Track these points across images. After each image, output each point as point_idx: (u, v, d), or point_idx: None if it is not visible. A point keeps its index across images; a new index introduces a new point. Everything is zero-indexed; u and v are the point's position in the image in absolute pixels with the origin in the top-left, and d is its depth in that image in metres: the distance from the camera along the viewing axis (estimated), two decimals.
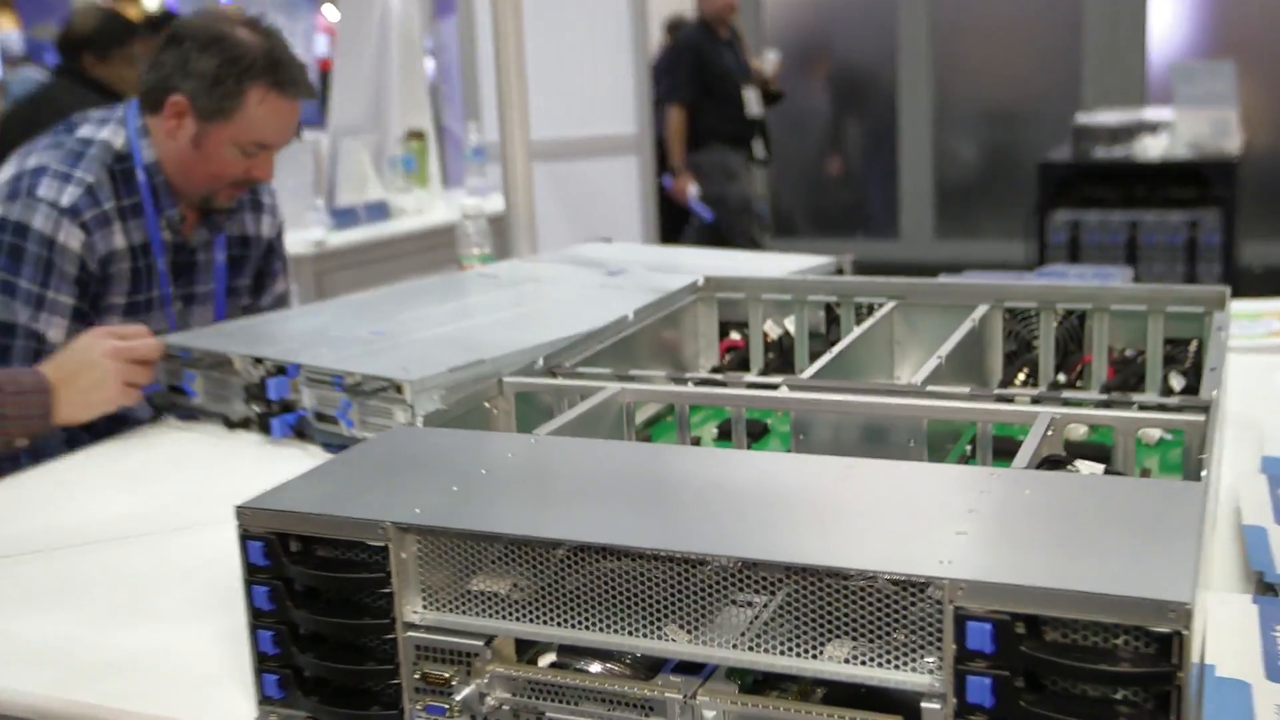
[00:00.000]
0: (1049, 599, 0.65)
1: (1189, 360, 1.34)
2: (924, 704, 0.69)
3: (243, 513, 0.83)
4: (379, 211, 3.65)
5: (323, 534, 0.82)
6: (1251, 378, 1.49)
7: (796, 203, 7.55)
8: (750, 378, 1.14)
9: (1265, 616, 0.88)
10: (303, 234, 3.29)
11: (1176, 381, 1.32)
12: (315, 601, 0.84)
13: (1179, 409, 0.96)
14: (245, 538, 0.83)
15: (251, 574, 0.84)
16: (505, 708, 0.79)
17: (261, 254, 2.01)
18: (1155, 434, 1.23)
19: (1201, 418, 0.94)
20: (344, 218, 3.52)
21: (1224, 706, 0.76)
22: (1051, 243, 4.95)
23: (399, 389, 1.34)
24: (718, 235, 5.15)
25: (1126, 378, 1.34)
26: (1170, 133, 4.86)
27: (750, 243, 5.16)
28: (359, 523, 0.80)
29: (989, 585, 0.66)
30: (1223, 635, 0.85)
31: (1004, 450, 1.12)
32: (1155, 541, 0.70)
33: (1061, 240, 4.94)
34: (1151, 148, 4.87)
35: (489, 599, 0.79)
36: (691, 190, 5.15)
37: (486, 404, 1.13)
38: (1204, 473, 0.83)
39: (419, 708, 0.82)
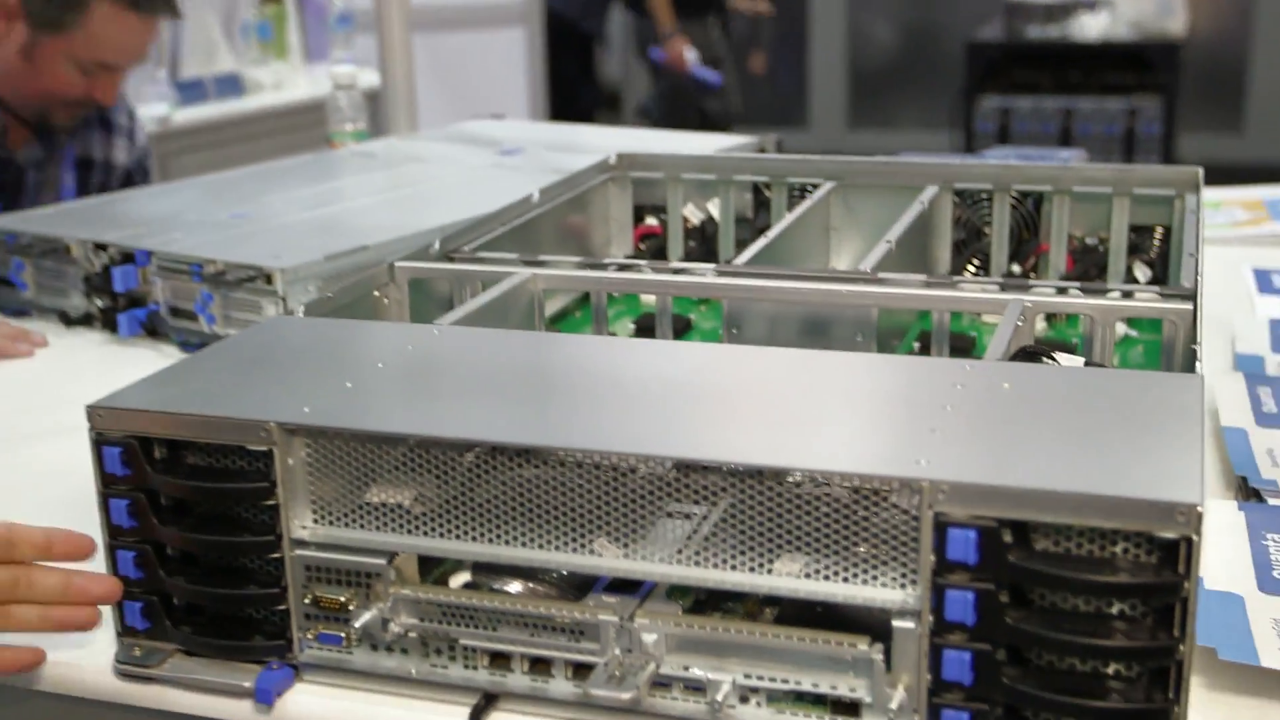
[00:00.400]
0: (1041, 502, 0.63)
1: (1154, 249, 1.33)
2: (896, 623, 0.67)
3: (96, 413, 0.78)
4: (231, 86, 3.52)
5: (194, 438, 0.77)
6: (1217, 272, 1.50)
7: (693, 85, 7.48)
8: (676, 264, 1.10)
9: (1253, 524, 0.88)
10: (143, 109, 3.16)
11: (1141, 272, 1.31)
12: (185, 517, 0.79)
13: (1163, 296, 0.95)
14: (100, 443, 0.78)
15: (107, 485, 0.79)
16: (412, 635, 0.76)
17: (118, 185, 1.89)
18: (1120, 329, 1.22)
19: (1188, 306, 0.93)
20: (190, 92, 3.39)
21: (1216, 621, 0.76)
22: (979, 131, 4.98)
23: (269, 278, 1.28)
24: (724, 115, 4.94)
25: (1087, 268, 1.33)
26: (1110, 10, 4.90)
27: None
28: (238, 424, 0.75)
29: (974, 487, 0.64)
30: (1211, 545, 0.85)
31: (959, 349, 1.11)
32: (1156, 438, 0.68)
33: (990, 129, 4.97)
34: (1090, 27, 4.90)
35: (390, 512, 0.76)
36: (690, 55, 4.87)
37: (376, 292, 1.08)
38: (1198, 364, 0.81)
39: (310, 636, 0.78)
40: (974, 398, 0.75)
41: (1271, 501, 0.92)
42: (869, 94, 7.13)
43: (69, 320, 1.47)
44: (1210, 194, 1.81)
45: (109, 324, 1.42)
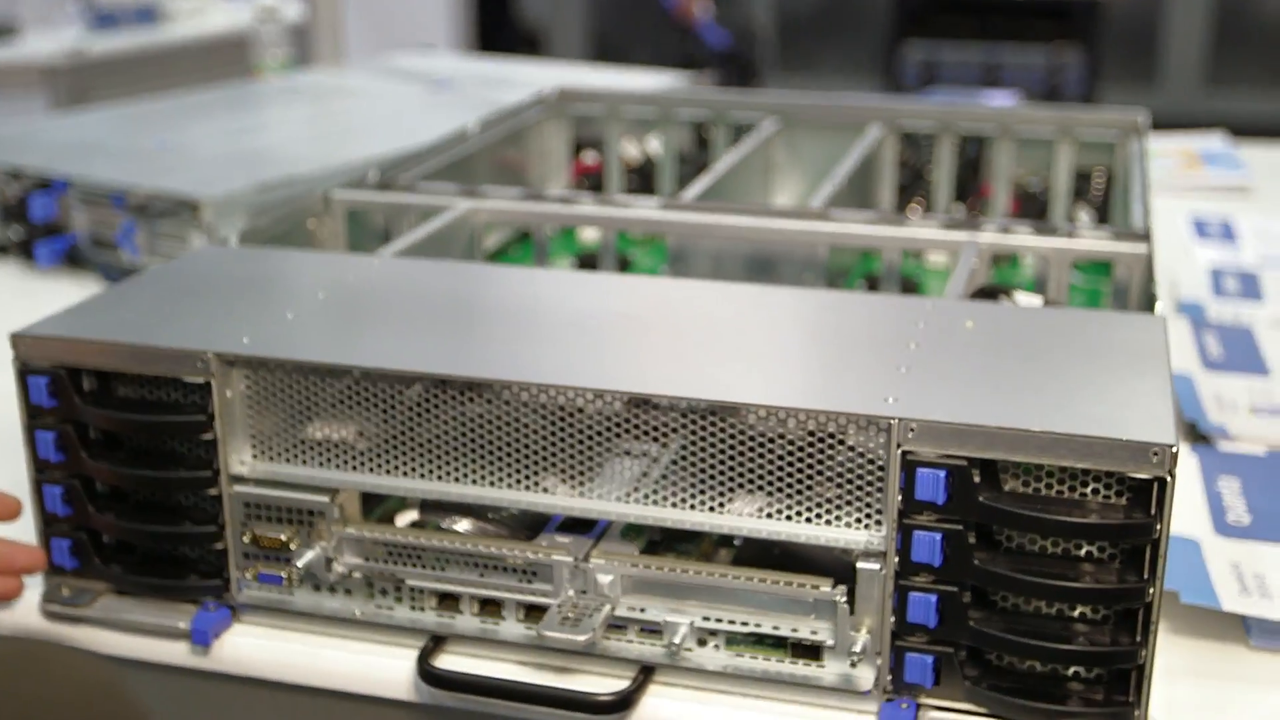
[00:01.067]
0: (1012, 441, 0.62)
1: (1094, 193, 1.33)
2: (860, 564, 0.65)
3: (21, 341, 0.74)
4: (146, 15, 3.41)
5: (125, 368, 0.73)
6: (1154, 221, 1.49)
7: (615, 27, 7.41)
8: (621, 197, 1.08)
9: (1206, 467, 0.87)
10: (52, 37, 3.06)
11: (1084, 215, 1.30)
12: (116, 450, 0.76)
13: (1116, 237, 0.94)
14: (24, 373, 0.74)
15: (34, 417, 0.75)
16: (357, 575, 0.73)
17: None
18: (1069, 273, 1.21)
19: (1143, 248, 0.92)
20: (102, 20, 3.28)
21: (1175, 566, 0.75)
22: (903, 81, 4.97)
23: (195, 208, 1.23)
24: (742, 71, 4.78)
25: (1030, 210, 1.32)
26: None
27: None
28: (174, 354, 0.72)
29: (944, 425, 0.62)
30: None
31: (906, 291, 1.09)
32: (1125, 379, 0.67)
33: (913, 78, 4.96)
34: None
35: (333, 447, 0.73)
36: (699, 8, 4.66)
37: (310, 223, 1.04)
38: (1158, 304, 0.80)
39: (249, 576, 0.75)
40: (938, 336, 0.73)
41: (1222, 446, 0.91)
42: (793, 39, 7.10)
43: None
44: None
45: (26, 254, 1.37)
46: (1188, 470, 0.87)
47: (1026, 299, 0.83)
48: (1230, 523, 0.80)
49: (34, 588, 0.78)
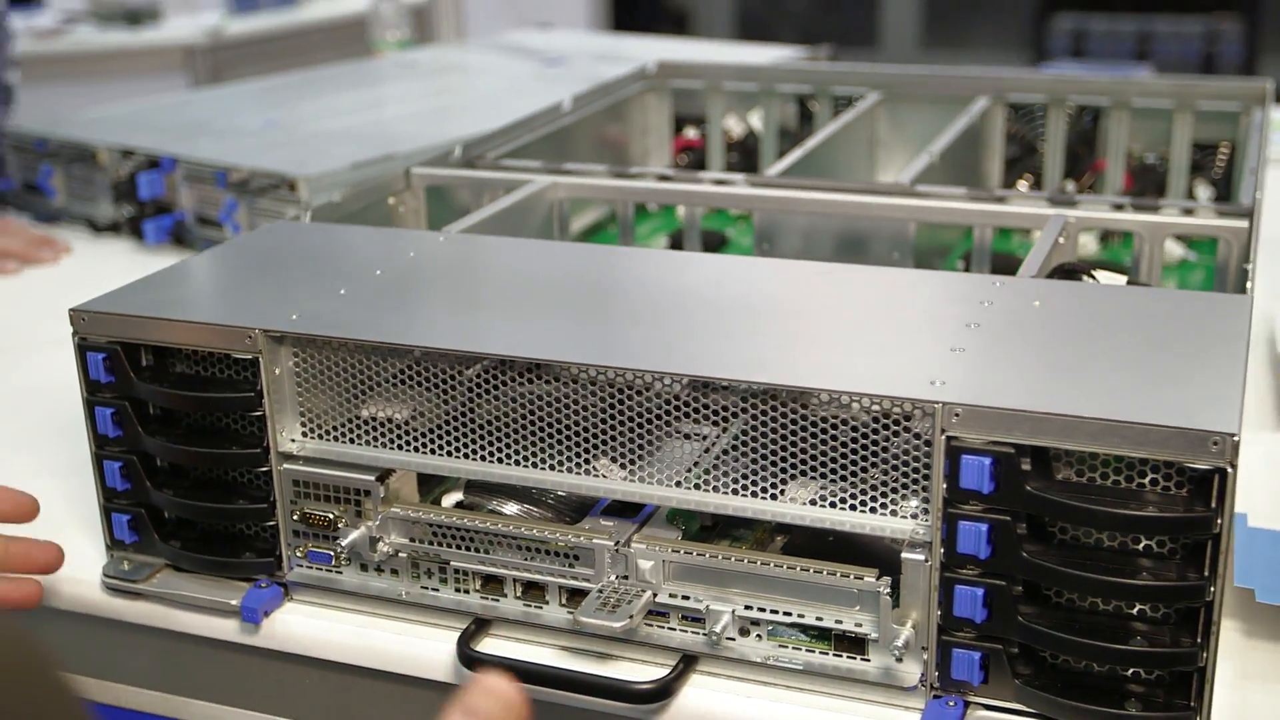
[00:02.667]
0: (1062, 428, 0.58)
1: (1217, 168, 1.27)
2: (905, 554, 0.62)
3: (80, 317, 0.75)
4: None
5: (179, 343, 0.74)
6: (1270, 192, 1.42)
7: (760, 5, 7.34)
8: (705, 174, 1.05)
9: None
10: (192, 20, 3.14)
11: (1204, 192, 1.25)
12: (173, 427, 0.76)
13: (1216, 214, 0.89)
14: (84, 348, 0.75)
15: (93, 393, 0.76)
16: (402, 555, 0.73)
17: None
18: (1178, 251, 1.16)
19: (1244, 223, 0.87)
20: (244, 2, 3.35)
21: (1257, 560, 0.71)
22: (1052, 52, 4.84)
23: (292, 186, 1.24)
24: None
25: (1145, 186, 1.27)
26: None
27: None
28: (222, 330, 0.72)
29: (990, 410, 0.59)
30: (1255, 479, 0.79)
31: (1004, 268, 1.05)
32: (1193, 362, 0.63)
33: (1063, 50, 4.83)
34: None
35: (382, 427, 0.72)
36: None
37: (391, 200, 1.04)
38: (1249, 284, 0.76)
39: (299, 554, 0.75)
40: (1001, 316, 0.70)
41: None
42: (942, 12, 6.96)
43: (97, 228, 1.44)
44: (1276, 115, 1.73)
45: (136, 232, 1.39)
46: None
47: (1109, 277, 0.79)
48: None
49: (96, 563, 0.79)
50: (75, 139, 1.44)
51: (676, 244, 1.20)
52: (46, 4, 3.53)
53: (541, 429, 0.69)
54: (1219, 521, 0.57)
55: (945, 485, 0.60)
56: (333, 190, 1.24)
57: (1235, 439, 0.56)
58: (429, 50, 2.07)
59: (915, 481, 0.62)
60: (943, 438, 0.60)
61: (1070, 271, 0.80)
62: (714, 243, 1.22)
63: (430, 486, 0.76)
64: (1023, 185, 1.29)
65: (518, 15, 3.24)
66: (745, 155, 1.41)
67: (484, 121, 1.39)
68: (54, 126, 1.50)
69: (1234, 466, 0.56)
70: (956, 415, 0.60)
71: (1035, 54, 4.86)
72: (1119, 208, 0.92)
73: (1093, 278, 0.79)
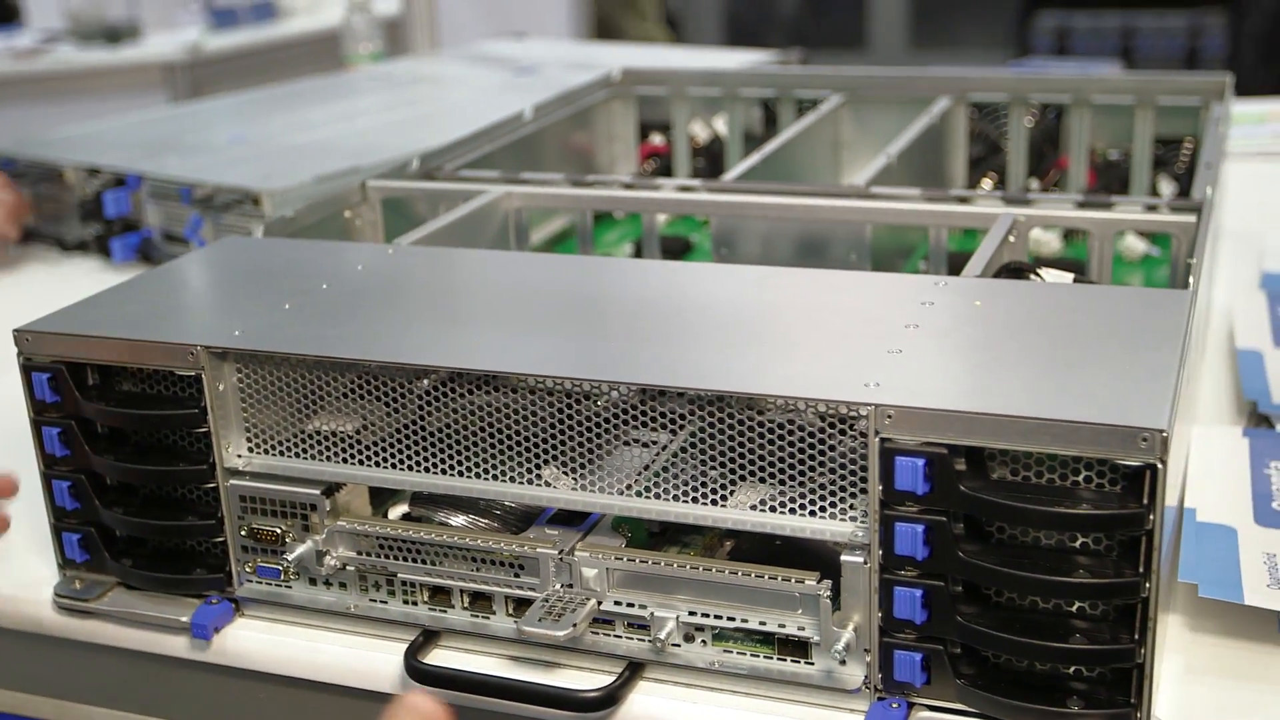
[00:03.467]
0: (995, 427, 0.58)
1: (1180, 162, 1.27)
2: (844, 557, 0.62)
3: (24, 337, 0.75)
4: (265, 11, 3.48)
5: (123, 362, 0.74)
6: (1254, 187, 1.43)
7: (747, 9, 7.34)
8: (666, 181, 1.05)
9: (1256, 451, 0.82)
10: (172, 36, 3.14)
11: (1166, 187, 1.25)
12: (121, 445, 0.76)
13: (1169, 210, 0.89)
14: (28, 369, 0.75)
15: (39, 413, 0.76)
16: (349, 568, 0.73)
17: None
18: (1140, 247, 1.16)
19: (1192, 218, 0.87)
20: (223, 18, 3.35)
21: (1205, 555, 0.71)
22: (1036, 50, 4.84)
23: (256, 201, 1.24)
24: None
25: (1109, 183, 1.27)
26: None
27: None
28: (164, 347, 0.72)
29: (922, 411, 0.59)
30: (1207, 475, 0.79)
31: (962, 267, 1.06)
32: (1127, 358, 0.63)
33: (1047, 47, 4.84)
34: None
35: (327, 440, 0.72)
36: None
37: (347, 213, 1.04)
38: (1191, 279, 0.76)
39: (249, 570, 0.75)
40: (941, 317, 0.70)
41: None
42: (929, 13, 6.96)
43: (65, 247, 1.44)
44: (1251, 107, 1.73)
45: (103, 250, 1.39)
46: (1237, 453, 0.82)
47: (1055, 275, 0.79)
48: (1275, 509, 0.75)
49: (48, 582, 0.79)
50: (42, 158, 1.44)
51: (640, 251, 1.20)
52: (26, 24, 3.53)
53: (491, 440, 0.69)
54: (1151, 517, 0.57)
55: (881, 487, 0.61)
56: (297, 204, 1.24)
57: (1164, 435, 0.56)
58: (402, 62, 2.07)
59: (856, 484, 0.62)
60: (877, 439, 0.60)
61: (1017, 270, 0.80)
62: (679, 249, 1.22)
63: (384, 499, 0.76)
64: (987, 184, 1.29)
65: (498, 25, 3.24)
66: (711, 160, 1.41)
67: (452, 133, 1.39)
68: (21, 146, 1.50)
69: (1164, 462, 0.56)
70: (889, 417, 0.60)
71: (1020, 52, 4.86)
72: (1050, 204, 0.92)
73: (1039, 276, 0.79)
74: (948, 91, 1.29)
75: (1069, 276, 0.80)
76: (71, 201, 1.42)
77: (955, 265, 0.98)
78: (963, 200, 0.96)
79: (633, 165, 1.42)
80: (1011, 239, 0.86)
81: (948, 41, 6.89)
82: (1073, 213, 0.90)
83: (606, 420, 0.67)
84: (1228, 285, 1.13)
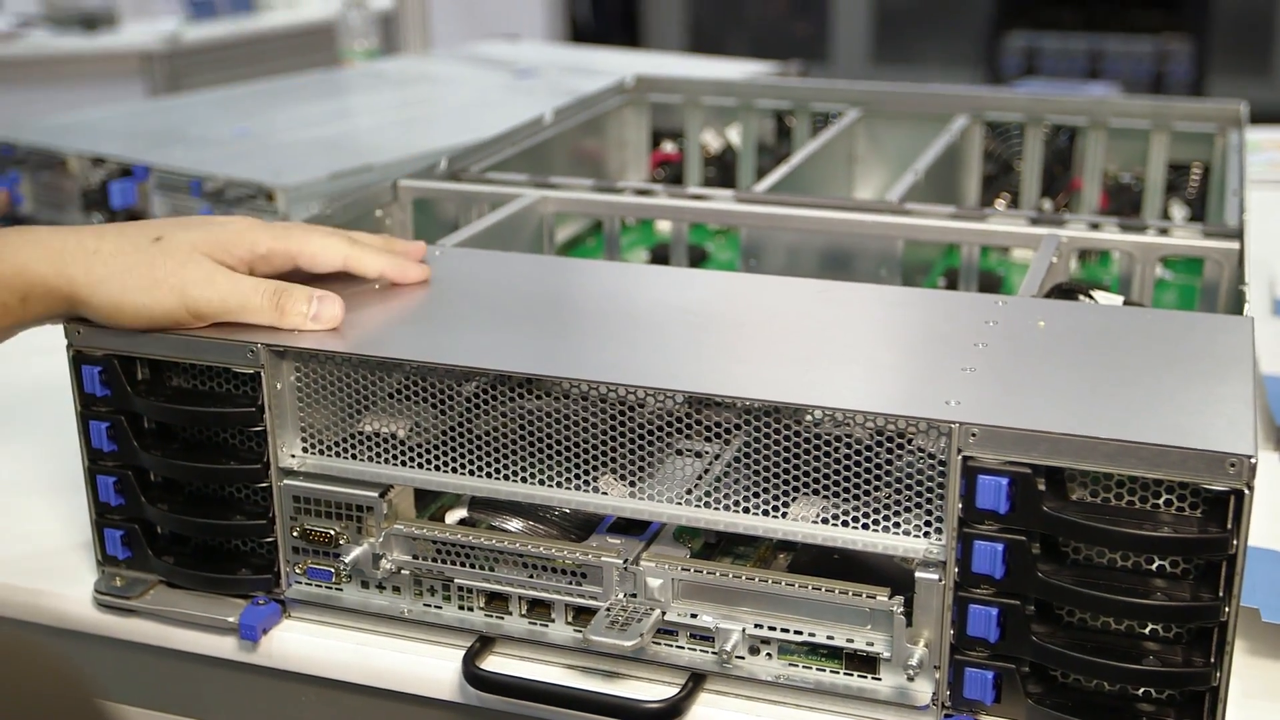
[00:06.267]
0: (1079, 449, 0.59)
1: (1191, 187, 1.28)
2: (919, 574, 0.63)
3: (75, 331, 0.73)
4: (242, 3, 3.45)
5: (177, 357, 0.73)
6: (1255, 214, 1.44)
7: (711, 16, 7.35)
8: (694, 190, 1.05)
9: None
10: (150, 26, 3.10)
11: (1179, 211, 1.26)
12: (169, 441, 0.75)
13: (1206, 234, 0.90)
14: (78, 361, 0.74)
15: (87, 406, 0.75)
16: (404, 572, 0.72)
17: None
18: (1155, 271, 1.17)
19: (1234, 245, 0.88)
20: (200, 8, 3.32)
21: (1258, 580, 0.71)
22: (1004, 70, 4.88)
23: (270, 196, 1.24)
24: None
25: (1121, 206, 1.28)
26: None
27: None
28: (223, 345, 0.71)
29: (1007, 431, 0.59)
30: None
31: (987, 287, 1.06)
32: (1204, 383, 0.64)
33: (1015, 68, 4.88)
34: None
35: (384, 442, 0.71)
36: None
37: (378, 213, 1.03)
38: (1246, 305, 0.76)
39: (299, 571, 0.74)
40: (1007, 336, 0.70)
41: None
42: (893, 28, 7.00)
43: None
44: (1247, 135, 1.75)
45: None
46: (1275, 479, 0.83)
47: (1106, 298, 0.80)
48: None
49: (87, 579, 0.78)
50: (43, 145, 1.42)
51: (658, 258, 1.20)
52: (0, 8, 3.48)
53: (542, 445, 0.69)
54: (1235, 543, 0.58)
55: (961, 505, 0.61)
56: (310, 200, 1.24)
57: (1253, 460, 0.56)
58: (397, 60, 2.06)
59: (925, 500, 0.63)
60: (959, 458, 0.60)
61: (1068, 291, 0.80)
62: (695, 258, 1.22)
63: (426, 502, 0.76)
64: (1000, 204, 1.30)
65: (479, 26, 3.24)
66: (723, 170, 1.41)
67: (459, 133, 1.39)
68: (19, 132, 1.48)
69: (1250, 488, 0.57)
70: (973, 435, 0.60)
71: (987, 71, 4.90)
72: (1097, 226, 0.93)
73: (1090, 298, 0.79)
74: (963, 110, 1.29)
75: (1119, 299, 0.80)
76: (73, 190, 1.41)
77: (981, 283, 0.99)
78: (988, 219, 0.96)
79: (643, 172, 1.42)
80: (1055, 259, 0.87)
81: (912, 58, 6.94)
82: (1116, 236, 0.90)
83: (658, 429, 0.66)
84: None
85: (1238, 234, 0.89)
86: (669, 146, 1.43)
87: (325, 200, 1.22)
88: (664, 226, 1.27)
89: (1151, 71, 4.65)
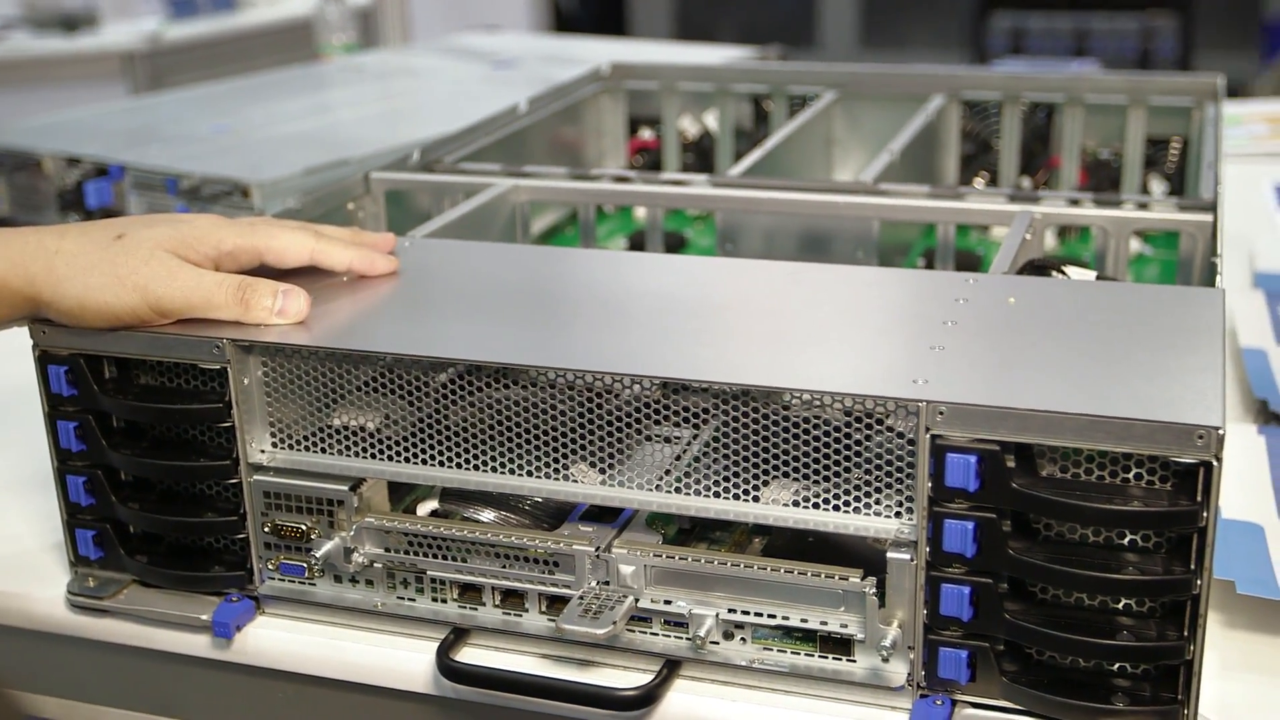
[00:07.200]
0: (1047, 424, 0.58)
1: (1170, 162, 1.28)
2: (890, 554, 0.62)
3: (40, 331, 0.73)
4: (224, 1, 3.44)
5: (143, 355, 0.72)
6: (1235, 188, 1.44)
7: (698, 4, 7.34)
8: (669, 175, 1.05)
9: (1275, 449, 0.83)
10: (131, 26, 3.09)
11: (1157, 186, 1.26)
12: (138, 440, 0.75)
13: (1180, 208, 0.89)
14: (44, 361, 0.73)
15: (55, 407, 0.74)
16: (377, 565, 0.72)
17: None
18: (1135, 247, 1.17)
19: (1208, 217, 0.87)
20: (181, 7, 3.31)
21: (1235, 552, 0.71)
22: (990, 50, 4.87)
23: (245, 192, 1.23)
24: None
25: (1100, 182, 1.27)
26: None
27: None
28: (189, 341, 0.71)
29: (975, 408, 0.59)
30: (1227, 473, 0.79)
31: (966, 266, 1.06)
32: (1173, 356, 0.63)
33: (1001, 48, 4.87)
34: None
35: (354, 435, 0.71)
36: None
37: (350, 205, 1.02)
38: (1219, 277, 0.76)
39: (271, 566, 0.73)
40: (977, 314, 0.70)
41: None
42: (881, 11, 6.98)
43: None
44: (1230, 109, 1.75)
45: None
46: (1254, 450, 0.83)
47: (1079, 273, 0.79)
48: None
49: (59, 580, 0.77)
50: (18, 147, 1.42)
51: (636, 245, 1.19)
52: None
53: (515, 434, 0.68)
54: (1205, 515, 0.57)
55: (930, 484, 0.60)
56: (286, 196, 1.23)
57: (1221, 432, 0.56)
58: (376, 54, 2.05)
59: (896, 480, 0.62)
60: (927, 436, 0.60)
61: (1040, 268, 0.80)
62: (673, 244, 1.21)
63: (400, 495, 0.75)
64: (979, 182, 1.30)
65: (462, 18, 3.22)
66: (701, 155, 1.40)
67: (437, 125, 1.38)
68: None
69: (1219, 460, 0.56)
70: (941, 413, 0.60)
71: (974, 52, 4.89)
72: (1074, 203, 0.92)
73: (1063, 273, 0.79)
74: (940, 89, 1.29)
75: (1092, 274, 0.80)
76: (49, 192, 1.40)
77: (956, 262, 0.98)
78: (965, 197, 0.96)
79: (621, 160, 1.41)
80: (1028, 236, 0.86)
81: (899, 41, 6.92)
82: (1090, 211, 0.90)
83: (631, 415, 0.66)
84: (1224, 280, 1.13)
85: (1211, 206, 0.88)
86: (646, 133, 1.43)
87: (301, 197, 1.21)
88: (643, 214, 1.26)
89: (1137, 49, 4.64)
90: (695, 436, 0.66)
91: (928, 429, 0.60)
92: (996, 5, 4.85)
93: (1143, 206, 0.92)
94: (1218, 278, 0.76)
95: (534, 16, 4.35)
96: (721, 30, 7.35)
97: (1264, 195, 1.41)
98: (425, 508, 0.73)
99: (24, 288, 0.71)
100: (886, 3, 6.97)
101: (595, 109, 1.39)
